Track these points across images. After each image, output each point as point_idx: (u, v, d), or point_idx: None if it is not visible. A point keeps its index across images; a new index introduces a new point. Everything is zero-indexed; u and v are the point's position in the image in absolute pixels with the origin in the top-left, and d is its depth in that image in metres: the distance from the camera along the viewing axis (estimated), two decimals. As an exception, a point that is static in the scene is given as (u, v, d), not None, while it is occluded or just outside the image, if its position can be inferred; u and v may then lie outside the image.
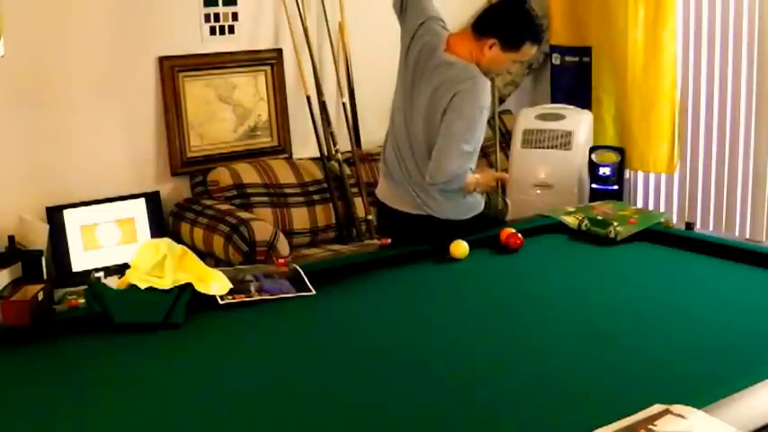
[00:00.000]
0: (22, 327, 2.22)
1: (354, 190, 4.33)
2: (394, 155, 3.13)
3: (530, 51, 3.03)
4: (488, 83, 2.99)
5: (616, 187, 4.46)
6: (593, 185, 4.49)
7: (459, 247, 2.90)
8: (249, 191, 4.09)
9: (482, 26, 2.98)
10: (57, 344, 2.23)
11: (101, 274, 2.43)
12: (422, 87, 3.01)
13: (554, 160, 4.51)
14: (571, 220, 3.19)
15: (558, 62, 5.08)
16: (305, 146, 4.48)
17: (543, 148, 4.53)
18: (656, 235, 3.06)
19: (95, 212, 3.94)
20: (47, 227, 3.66)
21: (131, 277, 2.37)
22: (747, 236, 4.26)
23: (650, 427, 1.57)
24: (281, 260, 2.77)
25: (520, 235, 3.00)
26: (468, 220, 3.09)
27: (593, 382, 1.95)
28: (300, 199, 4.20)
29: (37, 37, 3.76)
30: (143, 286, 2.34)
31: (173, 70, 4.12)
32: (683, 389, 1.81)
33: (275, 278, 2.64)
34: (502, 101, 5.23)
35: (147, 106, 4.12)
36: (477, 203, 3.13)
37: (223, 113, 4.30)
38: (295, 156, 4.48)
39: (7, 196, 3.76)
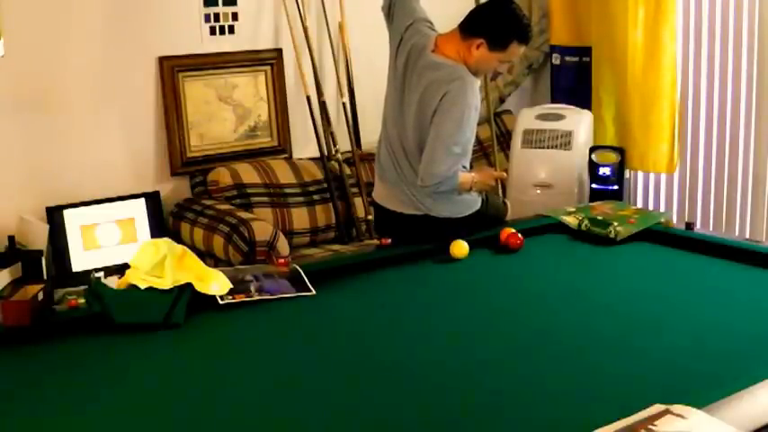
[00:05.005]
0: (22, 327, 2.22)
1: (354, 190, 4.33)
2: (388, 156, 3.14)
3: (517, 51, 3.04)
4: (477, 82, 3.01)
5: (616, 187, 4.45)
6: (593, 185, 4.49)
7: (459, 247, 2.91)
8: (249, 191, 4.09)
9: (469, 26, 3.00)
10: (57, 344, 2.23)
11: (101, 274, 2.43)
12: (411, 88, 3.03)
13: (554, 160, 4.51)
14: (571, 220, 3.19)
15: (558, 62, 5.08)
16: (305, 146, 4.48)
17: (543, 148, 4.53)
18: (656, 235, 3.06)
19: (95, 212, 3.93)
20: (47, 227, 3.66)
21: (131, 277, 2.37)
22: (747, 236, 4.26)
23: (650, 427, 1.57)
24: (281, 260, 2.77)
25: (520, 235, 3.00)
26: (465, 218, 3.10)
27: (594, 381, 1.95)
28: (300, 199, 4.20)
29: (37, 37, 3.76)
30: (143, 286, 2.34)
31: (173, 70, 4.11)
32: (683, 389, 1.81)
33: (275, 278, 2.64)
34: (502, 101, 5.23)
35: (146, 106, 4.12)
36: (473, 201, 3.14)
37: (223, 113, 4.30)
38: (295, 156, 4.48)
39: (7, 196, 3.76)
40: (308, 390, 1.95)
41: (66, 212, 3.85)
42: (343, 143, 4.40)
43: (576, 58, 4.98)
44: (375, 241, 3.22)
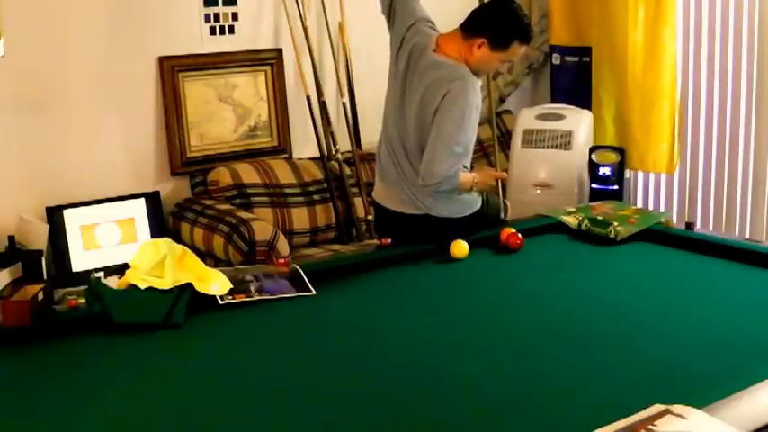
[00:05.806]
0: (22, 327, 2.22)
1: (354, 190, 4.33)
2: (388, 156, 3.15)
3: (518, 51, 3.04)
4: (478, 82, 3.01)
5: (616, 187, 4.46)
6: (593, 185, 4.49)
7: (460, 247, 2.91)
8: (249, 191, 4.09)
9: (471, 26, 3.00)
10: (57, 344, 2.23)
11: (101, 274, 2.43)
12: (413, 88, 3.03)
13: (554, 160, 4.51)
14: (571, 220, 3.19)
15: (558, 62, 5.08)
16: (305, 146, 4.48)
17: (543, 148, 4.53)
18: (656, 235, 3.06)
19: (95, 212, 3.93)
20: (47, 227, 3.66)
21: (131, 277, 2.37)
22: (747, 236, 4.26)
23: (650, 427, 1.57)
24: (281, 260, 2.77)
25: (520, 235, 3.00)
26: (465, 218, 3.10)
27: (594, 382, 1.95)
28: (300, 199, 4.20)
29: (37, 37, 3.76)
30: (143, 286, 2.34)
31: (173, 70, 4.12)
32: (683, 389, 1.81)
33: (275, 278, 2.64)
34: (502, 101, 5.23)
35: (146, 106, 4.12)
36: (473, 201, 3.14)
37: (223, 113, 4.30)
38: (295, 156, 4.48)
39: (7, 196, 3.76)
40: (308, 390, 1.95)
41: (66, 212, 3.85)
42: (343, 143, 4.40)
43: (576, 58, 4.98)
44: (375, 241, 3.22)
